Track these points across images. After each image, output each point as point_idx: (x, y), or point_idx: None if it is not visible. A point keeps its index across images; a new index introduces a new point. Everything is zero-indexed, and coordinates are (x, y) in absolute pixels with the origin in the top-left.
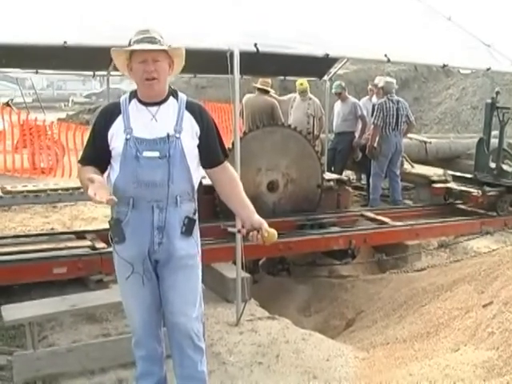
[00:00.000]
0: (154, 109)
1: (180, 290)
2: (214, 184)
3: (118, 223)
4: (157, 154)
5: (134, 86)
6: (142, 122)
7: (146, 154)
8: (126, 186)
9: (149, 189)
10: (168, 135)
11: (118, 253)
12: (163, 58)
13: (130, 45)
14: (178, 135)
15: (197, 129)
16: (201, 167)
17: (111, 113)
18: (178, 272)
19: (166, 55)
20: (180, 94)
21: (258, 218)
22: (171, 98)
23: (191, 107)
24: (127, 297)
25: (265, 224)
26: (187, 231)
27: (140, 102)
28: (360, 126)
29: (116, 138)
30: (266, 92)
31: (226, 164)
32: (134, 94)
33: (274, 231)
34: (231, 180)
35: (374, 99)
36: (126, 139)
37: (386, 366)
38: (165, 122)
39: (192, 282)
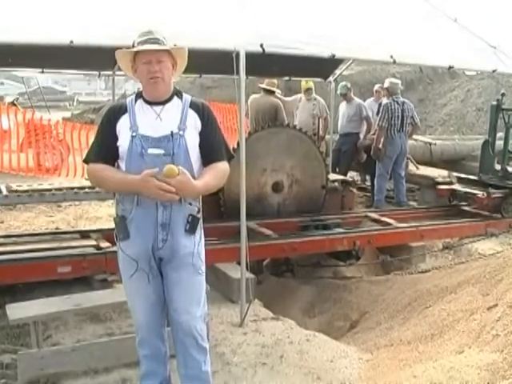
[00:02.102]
0: (158, 108)
1: (184, 288)
2: None
3: (123, 220)
4: (161, 151)
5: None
6: (148, 121)
7: (151, 151)
8: None
9: None
10: (172, 133)
11: (123, 250)
12: (167, 58)
13: (133, 46)
14: (181, 133)
15: (199, 124)
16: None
17: (117, 111)
18: (182, 270)
19: (170, 56)
20: (184, 95)
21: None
22: (175, 97)
23: (195, 105)
24: (131, 295)
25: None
26: (191, 229)
27: (145, 101)
28: (365, 127)
29: (122, 135)
30: (272, 92)
31: (225, 163)
32: (140, 94)
33: (171, 166)
34: (210, 168)
35: (385, 101)
36: (132, 136)
37: (390, 368)
38: (169, 120)
39: (196, 281)
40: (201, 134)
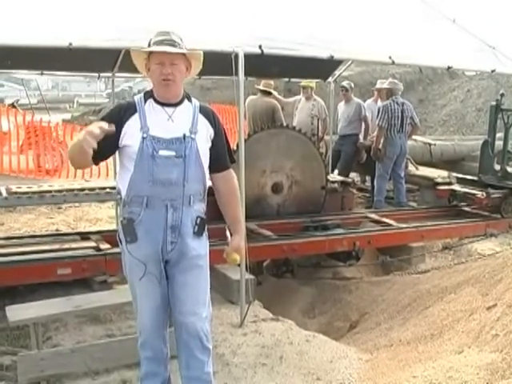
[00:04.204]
0: (170, 109)
1: (191, 290)
2: (214, 190)
3: (131, 223)
4: (173, 153)
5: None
6: (159, 122)
7: (163, 152)
8: (141, 185)
9: (164, 187)
10: (184, 136)
11: (131, 253)
12: (181, 61)
13: (149, 45)
14: (193, 136)
15: (211, 132)
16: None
17: (125, 110)
18: (189, 272)
19: (184, 58)
20: (193, 99)
21: (233, 239)
22: (186, 100)
23: (205, 111)
24: (140, 297)
25: (232, 248)
26: (199, 231)
27: (156, 102)
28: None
29: (130, 136)
30: (269, 93)
31: (230, 172)
32: (149, 94)
33: (234, 257)
34: (230, 193)
35: (380, 103)
36: (143, 138)
37: (390, 368)
38: (181, 123)
39: (202, 282)
40: (213, 141)
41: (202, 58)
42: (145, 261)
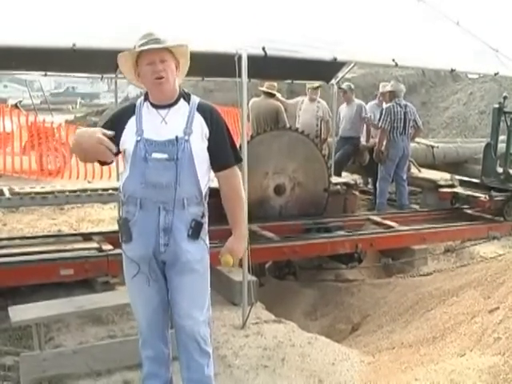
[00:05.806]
0: (164, 111)
1: (187, 293)
2: (219, 188)
3: (126, 223)
4: (165, 156)
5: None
6: (153, 125)
7: (155, 155)
8: (135, 187)
9: (156, 190)
10: (177, 138)
11: (126, 252)
12: (169, 58)
13: (135, 49)
14: (187, 138)
15: (206, 130)
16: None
17: (126, 112)
18: (185, 275)
19: (172, 56)
20: (192, 97)
21: (229, 240)
22: (182, 100)
23: (202, 109)
24: (133, 297)
25: (226, 248)
26: (194, 234)
27: (151, 104)
28: (365, 129)
29: (128, 139)
30: (272, 95)
31: (231, 171)
32: (146, 97)
33: (226, 259)
34: (230, 192)
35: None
36: (137, 141)
37: (392, 371)
38: (174, 124)
39: (199, 286)
40: (209, 139)
41: (188, 54)
42: (138, 261)
